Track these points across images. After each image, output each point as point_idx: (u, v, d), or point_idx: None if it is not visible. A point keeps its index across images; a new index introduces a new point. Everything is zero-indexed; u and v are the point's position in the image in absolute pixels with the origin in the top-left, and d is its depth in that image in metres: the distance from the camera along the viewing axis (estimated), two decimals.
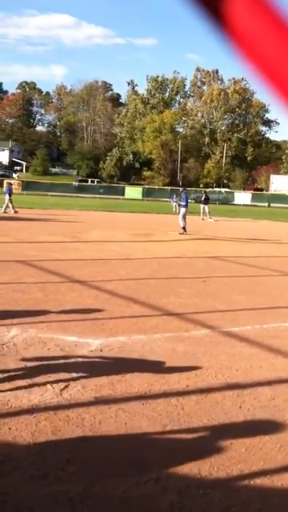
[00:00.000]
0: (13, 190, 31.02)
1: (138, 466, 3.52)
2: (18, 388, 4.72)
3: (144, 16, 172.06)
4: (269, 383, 5.18)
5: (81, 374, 5.12)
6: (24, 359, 5.47)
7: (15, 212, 28.79)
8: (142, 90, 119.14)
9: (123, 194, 66.48)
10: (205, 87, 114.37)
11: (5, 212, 28.70)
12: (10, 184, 32.63)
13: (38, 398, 4.51)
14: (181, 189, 25.90)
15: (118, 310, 7.88)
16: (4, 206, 29.32)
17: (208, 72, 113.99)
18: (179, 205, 22.43)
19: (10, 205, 29.39)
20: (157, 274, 11.45)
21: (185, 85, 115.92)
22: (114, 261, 13.18)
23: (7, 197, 29.65)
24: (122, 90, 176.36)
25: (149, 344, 6.22)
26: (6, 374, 5.01)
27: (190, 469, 3.51)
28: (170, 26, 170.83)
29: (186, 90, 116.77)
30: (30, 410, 4.26)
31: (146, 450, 3.73)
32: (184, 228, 21.51)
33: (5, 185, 32.11)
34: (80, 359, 5.57)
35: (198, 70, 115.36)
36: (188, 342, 6.43)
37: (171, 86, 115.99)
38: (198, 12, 0.68)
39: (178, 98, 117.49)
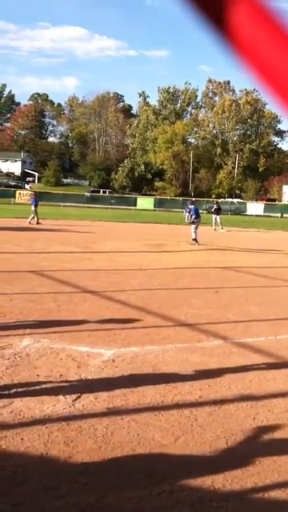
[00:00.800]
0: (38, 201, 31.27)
1: (151, 477, 3.50)
2: (30, 399, 4.71)
3: (156, 28, 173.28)
4: (283, 395, 5.13)
5: (93, 385, 5.11)
6: (36, 369, 5.47)
7: (37, 223, 29.03)
8: (154, 101, 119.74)
9: (135, 205, 66.59)
10: (216, 98, 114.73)
11: (30, 223, 28.98)
12: (36, 194, 32.81)
13: (50, 408, 4.50)
14: (189, 202, 25.82)
15: (131, 321, 7.86)
16: (31, 216, 29.64)
17: (220, 83, 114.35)
18: (191, 221, 22.29)
19: (35, 216, 29.74)
20: (169, 285, 11.43)
21: (196, 96, 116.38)
22: (127, 271, 13.18)
23: (33, 207, 29.96)
24: (133, 101, 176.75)
25: (161, 355, 6.20)
26: (18, 384, 5.01)
27: (204, 481, 3.48)
28: (182, 38, 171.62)
29: (197, 100, 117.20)
30: (43, 421, 4.25)
31: (159, 462, 3.70)
32: (195, 239, 21.46)
33: (30, 195, 32.42)
34: (92, 369, 5.55)
35: (209, 81, 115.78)
36: (201, 352, 6.39)
37: (183, 97, 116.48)
38: (201, 22, 0.68)
39: (189, 108, 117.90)
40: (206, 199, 66.71)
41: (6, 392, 4.82)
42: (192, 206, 23.25)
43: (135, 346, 6.47)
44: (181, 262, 15.65)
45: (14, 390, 4.88)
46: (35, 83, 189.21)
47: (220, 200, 61.34)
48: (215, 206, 35.05)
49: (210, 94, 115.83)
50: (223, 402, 4.82)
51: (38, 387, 4.99)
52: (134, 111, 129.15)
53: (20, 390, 4.90)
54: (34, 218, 29.57)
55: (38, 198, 31.99)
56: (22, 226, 27.14)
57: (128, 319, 7.96)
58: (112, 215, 46.26)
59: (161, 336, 7.07)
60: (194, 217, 21.91)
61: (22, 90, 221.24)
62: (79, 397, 4.80)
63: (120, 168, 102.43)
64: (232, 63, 0.69)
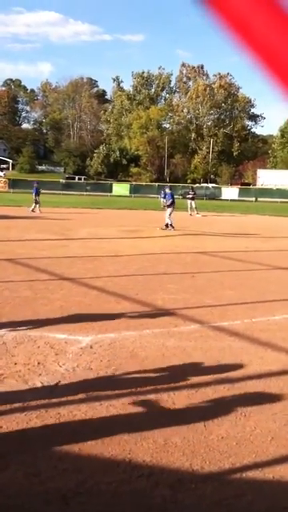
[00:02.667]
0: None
1: (130, 461, 3.53)
2: (8, 386, 4.70)
3: (132, 12, 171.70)
4: (259, 377, 5.21)
5: (71, 372, 5.12)
6: (14, 357, 5.46)
7: (38, 212, 29.19)
8: (128, 86, 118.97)
9: (111, 191, 66.38)
10: (190, 83, 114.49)
11: (33, 211, 28.96)
12: (38, 183, 32.69)
13: (28, 395, 4.50)
14: (166, 187, 25.90)
15: (108, 307, 7.87)
16: (33, 205, 29.64)
17: (193, 67, 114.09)
18: (167, 205, 22.32)
19: (36, 204, 29.76)
20: (146, 270, 11.46)
21: (170, 81, 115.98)
22: (103, 258, 13.16)
23: (34, 196, 29.95)
24: (107, 86, 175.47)
25: (139, 340, 6.23)
26: None
27: (182, 463, 3.53)
28: (158, 22, 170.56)
29: (171, 85, 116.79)
30: (21, 408, 4.25)
31: (138, 446, 3.73)
32: (167, 225, 21.43)
33: (32, 184, 32.52)
34: (70, 356, 5.56)
35: (183, 65, 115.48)
36: (178, 337, 6.44)
37: (157, 81, 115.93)
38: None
39: (163, 93, 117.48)
40: (181, 184, 66.74)
41: None
42: (168, 191, 23.25)
43: (113, 332, 6.49)
44: (157, 248, 15.68)
45: None
46: (9, 69, 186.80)
47: (195, 185, 61.41)
48: (190, 192, 35.14)
49: (184, 79, 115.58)
50: (200, 386, 4.88)
51: (16, 375, 4.98)
52: (108, 96, 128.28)
53: None
54: (36, 206, 29.66)
55: (40, 186, 31.85)
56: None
57: (105, 305, 7.97)
58: (88, 202, 46.03)
59: (138, 321, 7.10)
60: (170, 201, 21.92)
61: None
62: (57, 384, 4.80)
63: (95, 154, 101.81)
64: (225, 41, 0.69)
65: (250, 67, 0.72)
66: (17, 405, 4.32)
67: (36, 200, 30.21)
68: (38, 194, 30.44)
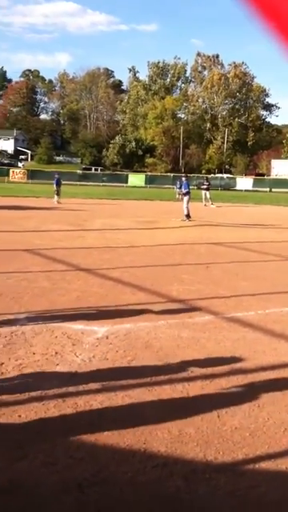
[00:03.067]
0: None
1: (145, 451, 3.60)
2: (26, 376, 4.80)
3: (147, 2, 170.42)
4: (272, 367, 5.24)
5: (88, 362, 5.20)
6: (32, 347, 5.55)
7: (58, 203, 29.25)
8: (144, 76, 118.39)
9: (126, 182, 66.42)
10: (205, 72, 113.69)
11: (58, 202, 29.27)
12: (59, 174, 33.02)
13: (46, 385, 4.59)
14: (183, 176, 25.86)
15: (123, 298, 7.94)
16: (55, 196, 30.01)
17: (209, 57, 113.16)
18: (183, 193, 22.34)
19: (56, 196, 30.11)
20: (161, 261, 11.50)
21: (186, 70, 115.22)
22: (119, 248, 13.23)
23: (55, 187, 30.28)
24: (123, 76, 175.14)
25: (154, 331, 6.29)
26: (14, 362, 5.09)
27: (196, 454, 3.59)
28: (172, 12, 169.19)
29: (186, 75, 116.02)
30: (39, 398, 4.34)
31: (153, 436, 3.80)
32: (187, 215, 21.48)
33: (53, 175, 32.97)
34: (87, 346, 5.64)
35: (198, 54, 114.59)
36: (192, 328, 6.49)
37: (172, 71, 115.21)
38: None
39: (179, 83, 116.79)
40: (196, 175, 66.52)
41: (3, 370, 4.91)
42: (184, 181, 23.24)
43: (128, 323, 6.56)
44: (172, 239, 15.71)
45: (10, 368, 4.96)
46: (28, 59, 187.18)
47: (210, 175, 61.19)
48: (205, 183, 35.04)
49: (199, 68, 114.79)
50: (214, 377, 4.93)
51: (34, 365, 5.07)
52: (124, 87, 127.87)
53: (17, 368, 4.98)
54: (60, 197, 30.02)
55: (61, 177, 32.17)
56: (15, 204, 27.03)
57: (121, 296, 8.04)
58: (104, 193, 46.13)
59: (153, 312, 7.16)
60: (185, 191, 21.91)
61: (15, 66, 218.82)
62: (74, 374, 4.89)
63: (111, 145, 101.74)
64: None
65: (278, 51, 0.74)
66: (35, 394, 4.41)
67: (57, 191, 30.57)
68: (58, 184, 30.74)
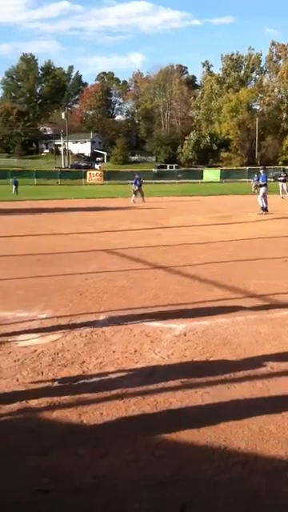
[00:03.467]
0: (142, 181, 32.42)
1: (226, 449, 3.58)
2: (107, 374, 4.90)
3: None
4: None
5: (166, 359, 5.24)
6: (112, 345, 5.66)
7: (132, 202, 29.84)
8: (217, 69, 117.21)
9: (201, 178, 66.14)
10: (281, 61, 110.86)
11: (143, 201, 29.87)
12: (139, 174, 33.67)
13: (126, 383, 4.66)
14: (260, 169, 25.43)
15: (201, 294, 7.92)
16: (140, 196, 30.57)
17: (284, 45, 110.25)
18: (260, 185, 21.99)
19: (133, 195, 30.74)
20: (237, 256, 11.37)
21: (260, 61, 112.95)
22: (196, 245, 13.21)
23: (135, 187, 30.93)
24: (197, 71, 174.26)
25: (232, 327, 6.24)
26: (95, 360, 5.22)
27: (277, 452, 3.52)
28: (247, 1, 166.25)
29: (261, 66, 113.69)
30: (120, 395, 4.41)
31: (233, 433, 3.77)
32: (264, 208, 21.09)
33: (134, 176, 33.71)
34: (165, 344, 5.68)
35: (273, 44, 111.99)
36: (271, 323, 6.37)
37: (246, 63, 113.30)
38: None
39: (253, 74, 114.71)
40: (272, 167, 65.08)
41: (85, 368, 5.04)
42: (262, 173, 22.88)
43: (206, 320, 6.53)
44: (249, 233, 15.49)
45: (92, 367, 5.08)
46: (102, 62, 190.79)
47: (287, 167, 59.65)
48: (282, 174, 34.29)
49: (274, 58, 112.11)
50: None
51: (114, 363, 5.17)
52: (197, 82, 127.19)
53: (97, 366, 5.10)
54: (136, 197, 30.51)
55: (141, 178, 32.73)
56: (93, 205, 27.60)
57: (198, 293, 8.02)
58: (179, 189, 46.16)
59: (231, 308, 7.09)
60: (263, 183, 21.54)
61: (89, 70, 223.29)
62: (153, 371, 4.93)
63: (186, 141, 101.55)
64: None
65: None
66: (115, 392, 4.49)
67: (134, 190, 30.94)
68: (138, 184, 31.16)
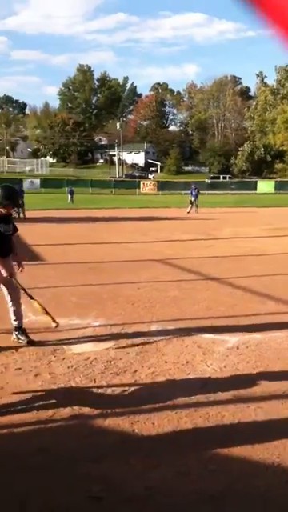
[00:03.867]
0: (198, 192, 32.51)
1: (279, 465, 3.51)
2: (158, 384, 4.90)
3: None
4: None
5: (218, 372, 5.19)
6: (164, 356, 5.66)
7: (191, 212, 30.18)
8: (272, 81, 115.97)
9: (255, 189, 65.32)
10: None
11: (197, 212, 30.07)
12: (196, 185, 33.80)
13: (178, 394, 4.64)
14: None
15: (254, 307, 7.82)
16: (195, 206, 30.75)
17: None
18: None
19: (190, 205, 30.95)
20: None
21: None
22: (248, 257, 13.06)
23: (193, 198, 31.13)
24: (251, 82, 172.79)
25: (286, 341, 6.13)
26: (147, 370, 5.22)
27: None
28: None
29: None
30: (172, 406, 4.40)
31: (287, 451, 3.70)
32: None
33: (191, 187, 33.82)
34: (218, 356, 5.63)
35: None
36: None
37: None
38: None
39: None
40: None
41: (137, 378, 5.05)
42: None
43: (259, 333, 6.45)
44: None
45: (144, 376, 5.09)
46: (157, 73, 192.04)
47: None
48: None
49: None
50: None
51: (166, 373, 5.17)
52: (251, 93, 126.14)
53: (149, 376, 5.10)
54: (192, 207, 30.67)
55: (198, 188, 32.87)
56: (146, 215, 27.76)
57: (251, 305, 7.93)
58: (232, 201, 45.81)
59: (285, 322, 6.97)
60: None
61: (144, 81, 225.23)
62: (205, 383, 4.90)
63: (239, 152, 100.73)
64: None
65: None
66: (168, 402, 4.48)
67: (191, 201, 31.09)
68: (194, 194, 31.25)
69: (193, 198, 31.39)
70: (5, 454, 3.66)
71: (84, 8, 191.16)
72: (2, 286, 6.12)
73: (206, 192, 59.68)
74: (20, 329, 6.13)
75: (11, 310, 6.12)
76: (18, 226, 6.33)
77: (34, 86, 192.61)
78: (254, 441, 3.84)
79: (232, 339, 6.21)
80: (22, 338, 6.08)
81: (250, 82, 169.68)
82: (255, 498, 3.17)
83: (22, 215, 23.48)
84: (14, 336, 6.13)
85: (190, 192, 32.59)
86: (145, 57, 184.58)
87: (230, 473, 3.43)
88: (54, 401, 4.53)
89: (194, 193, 31.51)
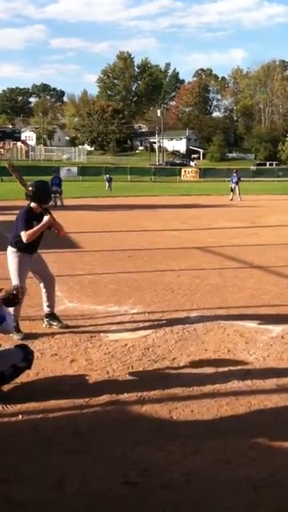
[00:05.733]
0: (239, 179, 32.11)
1: None
2: (198, 372, 4.80)
3: None
4: None
5: (261, 361, 5.05)
6: (204, 344, 5.54)
7: (236, 199, 29.89)
8: None
9: None
10: None
11: (241, 199, 29.75)
12: (237, 171, 33.29)
13: (219, 382, 4.54)
14: None
15: None
16: (238, 193, 30.42)
17: None
18: None
19: (231, 192, 30.66)
20: None
21: None
22: None
23: (234, 185, 30.79)
24: None
25: None
26: (186, 358, 5.13)
27: None
28: None
29: None
30: (212, 394, 4.30)
31: None
32: None
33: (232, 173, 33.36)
34: (261, 345, 5.49)
35: None
36: None
37: None
38: None
39: None
40: None
41: (176, 365, 4.96)
42: None
43: None
44: None
45: (183, 363, 5.00)
46: (201, 59, 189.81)
47: None
48: None
49: None
50: None
51: (206, 361, 5.06)
52: None
53: (188, 363, 5.01)
54: (234, 194, 30.35)
55: (239, 175, 32.36)
56: (187, 203, 27.52)
57: None
58: (279, 188, 45.00)
59: None
60: None
61: (187, 67, 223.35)
62: (248, 372, 4.77)
63: (287, 138, 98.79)
64: None
65: None
66: (207, 390, 4.38)
67: (231, 188, 30.67)
68: (235, 182, 30.79)
69: (233, 185, 30.91)
70: (41, 439, 3.63)
71: None
72: (34, 276, 6.11)
73: (252, 179, 58.78)
74: (51, 315, 6.12)
75: (44, 296, 6.11)
76: (56, 213, 6.22)
77: (74, 74, 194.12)
78: None
79: (276, 328, 6.04)
80: (55, 324, 6.07)
81: None
82: None
83: (59, 203, 23.62)
84: (46, 322, 6.13)
85: (230, 179, 32.15)
86: (189, 42, 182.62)
87: (272, 462, 3.32)
88: (90, 387, 4.49)
89: (234, 180, 31.02)
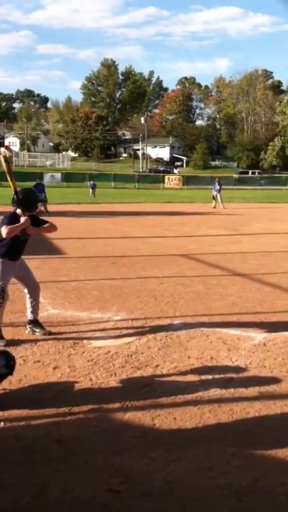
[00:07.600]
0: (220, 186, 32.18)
1: None
2: (181, 379, 4.80)
3: None
4: None
5: (244, 368, 5.07)
6: (187, 351, 5.56)
7: (214, 207, 29.97)
8: None
9: (285, 184, 64.52)
10: None
11: (223, 207, 29.84)
12: (219, 180, 33.38)
13: (202, 389, 4.55)
14: None
15: (282, 304, 7.67)
16: (220, 201, 30.52)
17: None
18: None
19: (213, 200, 30.74)
20: None
21: None
22: (277, 253, 12.86)
23: (215, 192, 30.96)
24: (283, 76, 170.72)
25: None
26: (169, 365, 5.13)
27: None
28: None
29: None
30: (194, 402, 4.31)
31: None
32: None
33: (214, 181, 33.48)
34: (243, 353, 5.51)
35: None
36: None
37: None
38: None
39: None
40: None
41: (159, 372, 4.96)
42: None
43: (287, 330, 6.29)
44: None
45: (166, 371, 5.00)
46: (186, 67, 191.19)
47: None
48: None
49: None
50: None
51: (189, 368, 5.07)
52: (284, 87, 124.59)
53: (171, 370, 5.01)
54: (216, 202, 30.49)
55: (221, 183, 32.51)
56: (171, 210, 27.60)
57: (279, 302, 7.77)
58: (261, 196, 45.35)
59: None
60: None
61: (171, 75, 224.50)
62: (230, 380, 4.79)
63: (269, 147, 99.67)
64: None
65: None
66: (190, 398, 4.39)
67: (213, 196, 30.82)
68: (217, 189, 30.98)
69: (215, 193, 31.05)
70: (23, 446, 3.61)
71: (113, 2, 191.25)
72: (19, 282, 6.09)
73: (234, 187, 59.15)
74: (34, 321, 6.09)
75: (28, 302, 6.08)
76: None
77: (59, 80, 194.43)
78: (280, 438, 3.74)
79: (259, 336, 6.08)
80: (38, 330, 6.05)
81: (283, 76, 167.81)
82: (281, 494, 3.07)
83: (43, 209, 23.54)
84: (29, 329, 6.10)
85: (212, 187, 32.35)
86: (174, 51, 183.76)
87: (254, 469, 3.33)
88: (73, 394, 4.47)
89: (216, 188, 31.19)
